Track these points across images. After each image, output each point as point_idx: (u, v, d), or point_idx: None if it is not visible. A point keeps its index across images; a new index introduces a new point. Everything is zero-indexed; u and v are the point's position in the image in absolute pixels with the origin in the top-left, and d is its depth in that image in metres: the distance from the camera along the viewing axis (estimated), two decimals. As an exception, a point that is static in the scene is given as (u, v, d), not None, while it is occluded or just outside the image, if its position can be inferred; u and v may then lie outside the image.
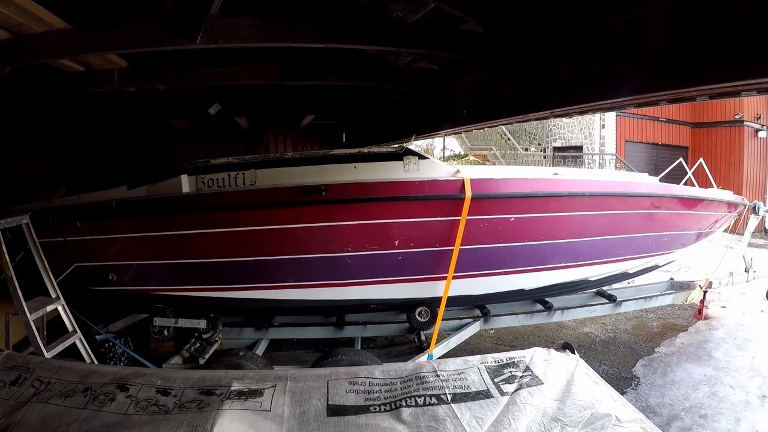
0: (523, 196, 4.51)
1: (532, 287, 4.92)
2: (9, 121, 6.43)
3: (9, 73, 4.54)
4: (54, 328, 3.71)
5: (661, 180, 5.71)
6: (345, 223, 4.36)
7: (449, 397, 1.76)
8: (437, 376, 1.87)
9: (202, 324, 4.61)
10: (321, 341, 5.18)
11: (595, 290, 5.63)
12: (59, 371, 1.92)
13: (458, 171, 4.52)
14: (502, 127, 18.62)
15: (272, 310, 4.92)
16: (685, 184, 6.09)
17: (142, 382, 1.84)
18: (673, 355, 5.57)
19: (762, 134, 14.72)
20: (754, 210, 6.23)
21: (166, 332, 4.67)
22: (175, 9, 3.47)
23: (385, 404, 1.75)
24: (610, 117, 14.80)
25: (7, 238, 3.43)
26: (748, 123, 14.39)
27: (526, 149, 20.29)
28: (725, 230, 6.31)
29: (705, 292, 6.27)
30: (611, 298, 5.53)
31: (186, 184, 4.42)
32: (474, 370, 1.90)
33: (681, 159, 7.04)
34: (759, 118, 14.54)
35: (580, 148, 16.41)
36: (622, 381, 4.94)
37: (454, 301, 4.76)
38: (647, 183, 5.37)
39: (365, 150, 4.62)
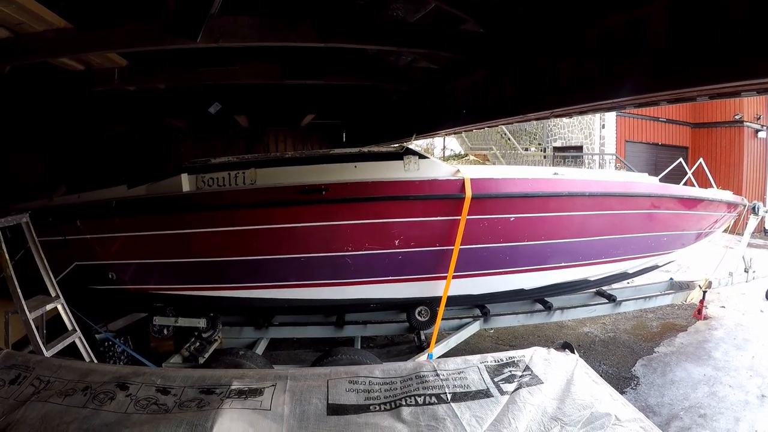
0: (523, 195, 4.51)
1: (531, 287, 4.92)
2: (9, 121, 6.41)
3: (9, 72, 4.54)
4: (54, 327, 3.71)
5: (661, 180, 5.70)
6: (345, 223, 4.36)
7: (449, 396, 1.76)
8: (437, 375, 1.87)
9: (201, 323, 4.62)
10: (321, 340, 5.17)
11: (594, 290, 5.62)
12: (59, 370, 1.92)
13: (458, 171, 4.52)
14: (502, 126, 18.60)
15: (272, 309, 4.91)
16: (685, 184, 6.09)
17: (141, 381, 1.84)
18: (672, 355, 5.58)
19: (762, 134, 14.72)
20: (754, 210, 6.24)
21: (165, 331, 4.67)
22: (175, 8, 3.48)
23: (385, 403, 1.74)
24: (610, 117, 14.80)
25: (6, 236, 3.42)
26: (748, 123, 14.40)
27: (526, 149, 20.26)
28: (725, 230, 6.30)
29: (704, 292, 6.28)
30: (611, 298, 5.53)
31: (186, 183, 4.42)
32: (474, 370, 1.90)
33: (681, 159, 7.05)
34: (759, 118, 14.55)
35: (580, 148, 16.41)
36: (621, 380, 4.95)
37: (454, 301, 4.75)
38: (647, 183, 5.36)
39: (365, 149, 4.62)
